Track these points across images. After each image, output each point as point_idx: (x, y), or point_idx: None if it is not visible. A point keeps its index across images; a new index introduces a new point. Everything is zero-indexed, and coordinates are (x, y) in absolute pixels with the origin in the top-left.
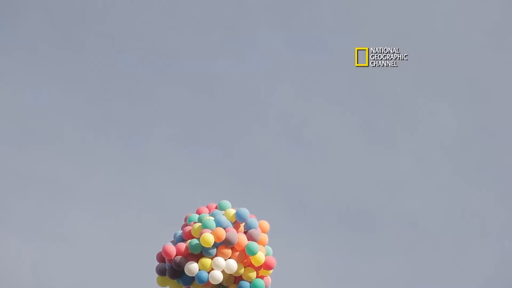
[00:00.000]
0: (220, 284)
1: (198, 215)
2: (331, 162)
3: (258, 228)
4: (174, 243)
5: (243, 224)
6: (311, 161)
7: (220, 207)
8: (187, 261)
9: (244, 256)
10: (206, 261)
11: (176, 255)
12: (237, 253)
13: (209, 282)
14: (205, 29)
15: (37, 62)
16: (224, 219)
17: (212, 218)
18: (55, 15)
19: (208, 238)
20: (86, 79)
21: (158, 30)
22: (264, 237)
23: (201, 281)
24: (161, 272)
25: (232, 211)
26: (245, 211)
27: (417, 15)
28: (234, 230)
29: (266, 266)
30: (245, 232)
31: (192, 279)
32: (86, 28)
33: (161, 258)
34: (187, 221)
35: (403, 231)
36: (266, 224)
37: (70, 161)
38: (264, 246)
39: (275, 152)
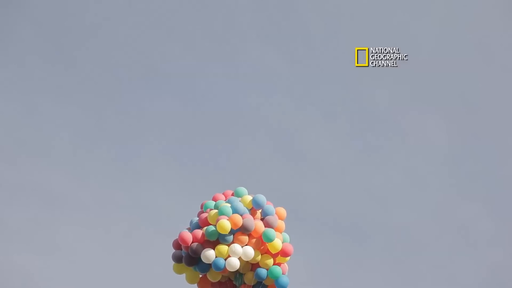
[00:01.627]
0: (237, 272)
1: (214, 202)
2: (323, 173)
3: (275, 215)
4: (190, 230)
5: (260, 210)
6: (304, 172)
7: (236, 194)
8: (203, 248)
9: (261, 243)
10: (223, 248)
11: (192, 242)
12: (254, 240)
13: (226, 269)
14: (196, 42)
15: (28, 74)
16: (240, 206)
17: (229, 205)
18: (46, 28)
19: (225, 224)
20: (77, 91)
21: (149, 43)
22: (281, 224)
23: (217, 268)
24: (177, 259)
25: (248, 198)
26: (262, 198)
27: (417, 15)
28: (251, 217)
29: (283, 253)
30: (262, 219)
31: (208, 266)
32: (77, 41)
33: (177, 245)
34: (203, 208)
35: (393, 241)
36: (283, 211)
37: (63, 173)
38: (281, 233)
39: (268, 163)
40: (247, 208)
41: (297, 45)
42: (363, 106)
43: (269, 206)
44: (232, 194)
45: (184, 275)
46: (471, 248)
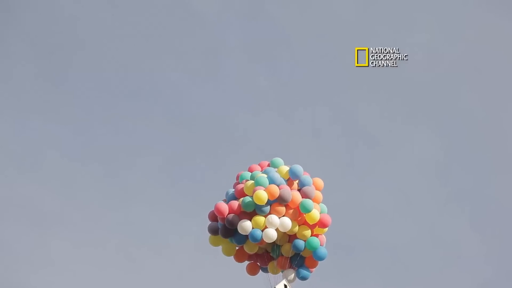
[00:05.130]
0: (274, 243)
1: (250, 173)
2: None
3: (312, 186)
4: (226, 201)
5: (297, 181)
6: None
7: (272, 164)
8: (240, 219)
9: (299, 214)
10: (260, 219)
11: (228, 213)
12: (291, 210)
13: (263, 240)
14: (185, 62)
15: (19, 92)
16: (277, 176)
17: (265, 175)
18: (39, 46)
19: (262, 195)
20: (68, 110)
21: (139, 62)
22: (318, 194)
23: (254, 239)
24: (213, 231)
25: (285, 168)
26: (299, 168)
27: (417, 15)
28: (288, 187)
29: (321, 224)
30: (299, 190)
31: (245, 237)
32: (68, 60)
33: (213, 217)
34: (239, 179)
35: (382, 257)
36: (320, 182)
37: (52, 190)
38: (318, 203)
39: None
40: (283, 179)
41: (294, 49)
42: (351, 121)
43: (306, 177)
44: (268, 165)
45: (220, 247)
46: (460, 265)
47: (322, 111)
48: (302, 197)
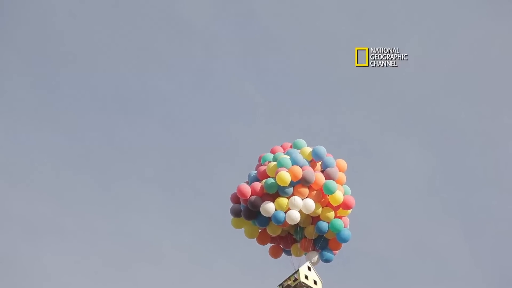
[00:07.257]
0: (297, 225)
1: (272, 155)
2: None
3: (336, 167)
4: (249, 183)
5: (320, 162)
6: None
7: (295, 146)
8: (262, 201)
9: (322, 195)
10: (283, 200)
11: (251, 195)
12: (315, 192)
13: (286, 222)
14: (176, 70)
15: (11, 101)
16: (300, 157)
17: (288, 157)
18: (30, 54)
19: (285, 176)
20: (61, 119)
21: (132, 71)
22: (342, 176)
23: (277, 221)
24: (236, 213)
25: (308, 149)
26: (322, 149)
27: (417, 15)
28: (311, 169)
29: (345, 205)
30: (322, 171)
31: (268, 219)
32: (61, 68)
33: (235, 199)
34: (262, 161)
35: (372, 269)
36: (343, 163)
37: (45, 200)
38: (342, 185)
39: None
40: (306, 160)
41: (294, 51)
42: (342, 133)
43: (330, 158)
44: (291, 146)
45: (243, 229)
46: (450, 276)
47: (318, 118)
48: (326, 179)
